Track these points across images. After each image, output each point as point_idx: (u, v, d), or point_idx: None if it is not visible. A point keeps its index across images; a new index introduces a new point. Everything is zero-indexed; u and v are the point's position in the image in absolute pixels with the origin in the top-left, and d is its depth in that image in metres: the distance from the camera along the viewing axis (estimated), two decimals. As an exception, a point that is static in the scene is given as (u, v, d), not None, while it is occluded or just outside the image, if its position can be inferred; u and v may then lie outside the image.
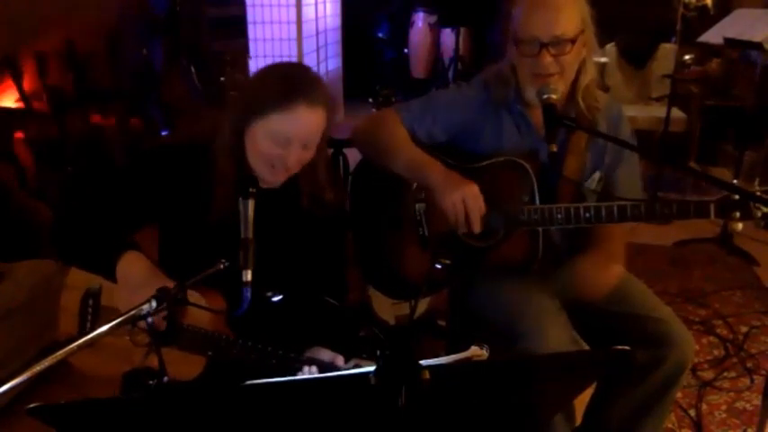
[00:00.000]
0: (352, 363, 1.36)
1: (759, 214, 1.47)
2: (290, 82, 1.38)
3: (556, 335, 1.57)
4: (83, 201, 1.51)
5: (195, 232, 1.47)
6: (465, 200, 1.58)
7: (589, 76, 1.68)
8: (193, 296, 1.40)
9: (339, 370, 1.35)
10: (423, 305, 2.43)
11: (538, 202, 1.65)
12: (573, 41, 1.58)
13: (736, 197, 1.48)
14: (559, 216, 1.61)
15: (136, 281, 1.35)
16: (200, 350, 1.40)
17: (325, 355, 1.40)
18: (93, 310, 1.45)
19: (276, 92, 1.37)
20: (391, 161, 1.71)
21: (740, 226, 1.53)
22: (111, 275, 1.39)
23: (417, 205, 1.76)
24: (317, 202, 1.53)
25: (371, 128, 1.77)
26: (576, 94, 1.68)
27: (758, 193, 1.44)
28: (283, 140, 1.39)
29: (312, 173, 1.51)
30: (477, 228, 1.60)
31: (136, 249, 1.41)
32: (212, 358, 1.41)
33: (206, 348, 1.40)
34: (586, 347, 1.73)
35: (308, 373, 1.34)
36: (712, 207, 1.50)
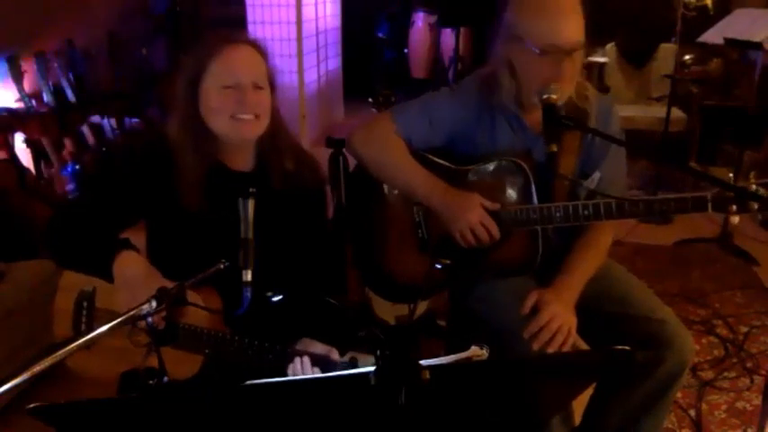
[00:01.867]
0: (348, 356, 1.36)
1: (755, 206, 1.48)
2: (212, 35, 1.48)
3: None
4: (73, 204, 1.52)
5: (177, 228, 1.47)
6: (473, 229, 1.62)
7: (580, 75, 1.68)
8: (190, 295, 1.40)
9: (332, 362, 1.34)
10: (422, 305, 2.43)
11: (535, 201, 1.65)
12: (582, 46, 1.59)
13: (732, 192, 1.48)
14: (558, 215, 1.61)
15: (134, 280, 1.35)
16: (197, 349, 1.40)
17: (319, 348, 1.40)
18: (87, 313, 1.45)
19: (204, 47, 1.45)
20: (390, 180, 1.72)
21: (737, 219, 1.54)
22: (107, 276, 1.39)
23: (416, 207, 1.76)
24: (285, 176, 1.53)
25: (368, 142, 1.75)
26: (572, 97, 1.67)
27: (753, 187, 1.44)
28: (232, 82, 1.42)
29: (276, 143, 1.52)
30: (486, 245, 1.64)
31: (130, 248, 1.41)
32: (209, 356, 1.41)
33: (203, 347, 1.40)
34: (586, 348, 1.73)
35: (300, 363, 1.33)
36: (709, 201, 1.50)
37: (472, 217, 1.62)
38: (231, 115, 1.42)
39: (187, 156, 1.44)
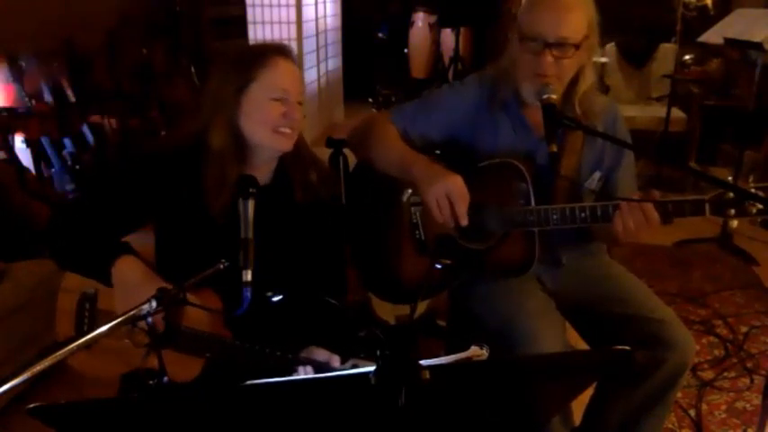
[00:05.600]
0: (349, 363, 1.36)
1: (754, 210, 1.47)
2: (257, 46, 1.51)
3: (549, 340, 1.56)
4: (75, 205, 1.51)
5: (193, 233, 1.47)
6: (448, 193, 1.55)
7: (588, 81, 1.66)
8: (191, 299, 1.39)
9: (334, 370, 1.34)
10: (423, 305, 2.43)
11: (533, 203, 1.65)
12: (576, 46, 1.57)
13: (731, 195, 1.47)
14: (555, 217, 1.60)
15: (132, 284, 1.36)
16: (199, 352, 1.40)
17: (321, 355, 1.40)
18: (89, 314, 1.45)
19: (255, 55, 1.45)
20: (380, 159, 1.70)
21: (735, 223, 1.53)
22: (105, 280, 1.39)
23: (413, 209, 1.75)
24: (308, 188, 1.54)
25: (363, 128, 1.77)
26: (573, 99, 1.66)
27: (752, 190, 1.43)
28: (282, 93, 1.43)
29: (298, 156, 1.53)
30: (463, 221, 1.56)
31: (130, 253, 1.41)
32: (210, 360, 1.41)
33: (204, 350, 1.40)
34: (586, 348, 1.73)
35: (303, 373, 1.34)
36: (707, 205, 1.50)
37: (450, 181, 1.55)
38: (273, 128, 1.44)
39: (227, 165, 1.44)
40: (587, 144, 1.73)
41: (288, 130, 1.45)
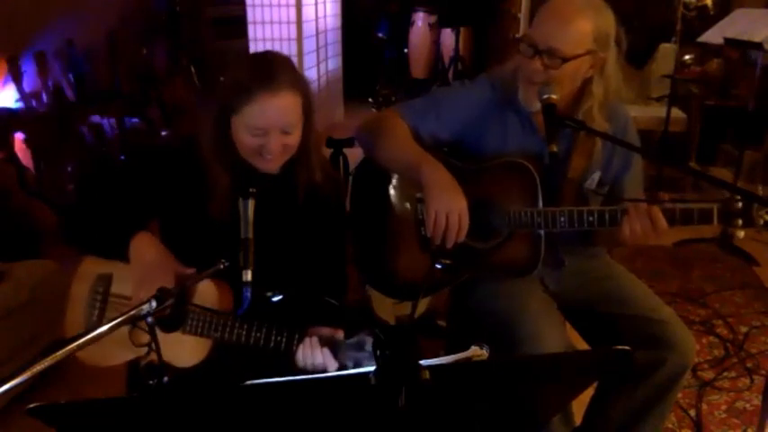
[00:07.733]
0: (355, 339, 1.35)
1: (761, 222, 1.46)
2: (250, 74, 1.39)
3: (551, 339, 1.56)
4: (94, 194, 1.52)
5: (195, 231, 1.48)
6: (449, 215, 1.53)
7: (594, 99, 1.64)
8: (205, 284, 1.39)
9: (339, 344, 1.34)
10: (423, 305, 2.43)
11: (541, 204, 1.64)
12: (565, 60, 1.55)
13: (739, 205, 1.46)
14: (562, 219, 1.59)
15: (149, 262, 1.36)
16: (206, 332, 1.40)
17: (325, 331, 1.40)
18: (101, 298, 1.46)
19: (240, 87, 1.38)
20: (389, 156, 1.69)
21: (742, 233, 1.52)
22: (123, 255, 1.40)
23: (419, 205, 1.75)
24: (311, 188, 1.53)
25: (373, 125, 1.75)
26: (576, 113, 1.64)
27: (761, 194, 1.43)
28: (259, 131, 1.39)
29: (306, 159, 1.51)
30: (449, 245, 1.56)
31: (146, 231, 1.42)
32: (218, 341, 1.40)
33: (210, 330, 1.39)
34: (586, 348, 1.73)
35: (310, 344, 1.34)
36: (715, 214, 1.49)
37: (457, 203, 1.54)
38: (254, 153, 1.42)
39: (218, 169, 1.44)
40: (602, 149, 1.71)
41: (269, 156, 1.42)
